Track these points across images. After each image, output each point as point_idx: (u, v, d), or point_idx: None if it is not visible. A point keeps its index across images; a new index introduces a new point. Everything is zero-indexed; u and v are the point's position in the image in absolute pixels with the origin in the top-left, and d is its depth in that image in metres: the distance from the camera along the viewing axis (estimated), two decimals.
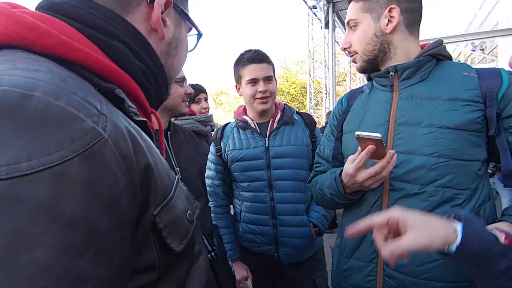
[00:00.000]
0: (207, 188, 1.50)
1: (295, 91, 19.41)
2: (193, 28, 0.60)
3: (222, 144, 1.49)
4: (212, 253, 1.28)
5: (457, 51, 12.88)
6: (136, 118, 0.43)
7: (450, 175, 0.83)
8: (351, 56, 1.01)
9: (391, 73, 0.92)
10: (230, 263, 1.38)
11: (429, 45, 0.92)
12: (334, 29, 5.51)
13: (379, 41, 0.91)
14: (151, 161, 0.39)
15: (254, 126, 1.45)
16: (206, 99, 2.25)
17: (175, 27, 0.54)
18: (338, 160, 1.07)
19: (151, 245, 0.39)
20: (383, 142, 0.77)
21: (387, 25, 0.90)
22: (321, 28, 5.76)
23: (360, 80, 10.24)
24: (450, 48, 11.82)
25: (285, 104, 1.55)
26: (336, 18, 5.64)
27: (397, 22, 0.89)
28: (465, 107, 0.83)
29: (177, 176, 0.48)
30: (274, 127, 1.44)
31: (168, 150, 1.19)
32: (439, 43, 0.92)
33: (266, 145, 1.42)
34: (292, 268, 1.44)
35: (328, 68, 7.02)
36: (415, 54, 0.92)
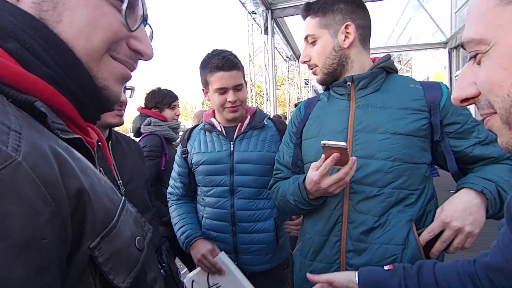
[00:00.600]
0: (170, 187, 1.48)
1: None
2: None
3: (188, 146, 1.43)
4: (162, 271, 1.18)
5: None
6: (64, 136, 0.35)
7: (403, 177, 0.90)
8: (311, 69, 1.05)
9: (348, 82, 0.98)
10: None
11: (379, 59, 1.02)
12: (273, 35, 5.67)
13: (337, 55, 0.97)
14: (85, 184, 0.33)
15: (220, 129, 1.39)
16: (178, 106, 2.21)
17: None
18: (298, 166, 1.09)
19: (90, 285, 0.33)
20: (347, 150, 0.82)
21: (344, 40, 0.96)
22: (261, 33, 5.90)
23: (298, 85, 10.78)
24: None
25: (258, 109, 1.49)
26: (274, 24, 5.82)
27: (353, 38, 0.96)
28: (413, 115, 0.91)
29: (123, 198, 0.42)
30: (241, 131, 1.37)
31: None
32: (388, 57, 1.01)
33: (231, 149, 1.35)
34: (252, 278, 1.33)
35: (268, 73, 7.22)
36: (368, 67, 1.00)
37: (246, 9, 6.14)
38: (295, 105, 4.08)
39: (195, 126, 1.50)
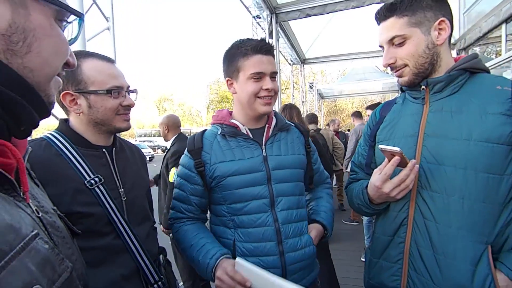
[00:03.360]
0: (174, 212, 1.21)
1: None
2: (65, 11, 0.44)
3: (203, 156, 1.14)
4: (159, 283, 1.07)
5: None
6: None
7: (477, 188, 0.82)
8: (396, 71, 0.98)
9: (422, 86, 0.96)
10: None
11: (463, 58, 0.95)
12: (278, 39, 5.70)
13: (430, 53, 0.93)
14: None
15: (246, 132, 1.17)
16: None
17: (12, 11, 0.38)
18: (371, 168, 1.09)
19: None
20: (403, 154, 0.85)
21: (437, 37, 0.92)
22: (265, 37, 5.95)
23: (302, 89, 10.79)
24: None
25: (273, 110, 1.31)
26: (279, 28, 5.85)
27: (448, 34, 0.92)
28: (496, 120, 0.82)
29: (34, 232, 0.37)
30: (270, 133, 1.20)
31: (112, 169, 1.04)
32: (474, 56, 0.94)
33: (264, 154, 1.16)
34: None
35: None
36: (450, 66, 0.94)
37: (251, 14, 6.19)
38: (368, 107, 4.10)
39: (203, 132, 1.23)
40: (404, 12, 0.92)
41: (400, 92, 1.11)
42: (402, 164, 0.87)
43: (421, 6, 0.91)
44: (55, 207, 0.53)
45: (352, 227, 5.02)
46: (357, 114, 5.24)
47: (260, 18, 6.32)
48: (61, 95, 0.97)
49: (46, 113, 0.46)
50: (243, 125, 1.18)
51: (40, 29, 0.41)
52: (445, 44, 0.94)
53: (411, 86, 1.00)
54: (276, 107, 7.00)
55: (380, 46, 1.00)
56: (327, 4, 5.04)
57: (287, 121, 1.28)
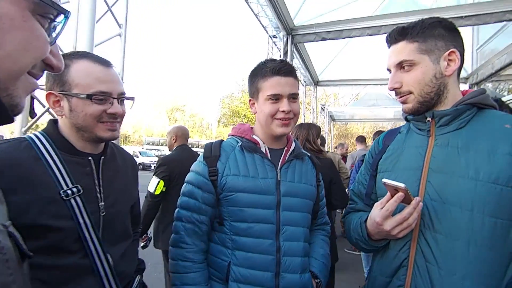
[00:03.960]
0: (182, 223, 1.12)
1: (252, 114, 19.79)
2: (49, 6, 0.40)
3: (219, 164, 1.11)
4: None
5: None
6: None
7: (485, 233, 0.77)
8: (401, 97, 0.95)
9: (428, 118, 0.93)
10: None
11: (471, 92, 0.91)
12: (292, 60, 5.77)
13: (437, 83, 0.90)
14: None
15: (265, 151, 1.15)
16: None
17: None
18: (372, 199, 1.06)
19: None
20: (408, 191, 0.80)
21: (446, 68, 0.88)
22: (280, 57, 6.05)
23: (314, 110, 10.82)
24: None
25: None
26: (294, 49, 5.94)
27: (457, 65, 0.89)
28: (504, 161, 0.78)
29: None
30: (286, 158, 1.17)
31: (96, 179, 0.95)
32: (482, 91, 0.90)
33: (279, 178, 1.11)
34: None
35: None
36: (457, 99, 0.92)
37: (268, 33, 6.33)
38: (376, 133, 4.09)
39: (221, 141, 1.20)
40: (415, 38, 0.91)
41: (405, 121, 1.08)
42: (406, 200, 0.83)
43: (433, 34, 0.90)
44: (8, 222, 0.45)
45: (353, 256, 4.86)
46: (361, 139, 5.22)
47: (276, 38, 6.45)
48: (45, 94, 0.93)
49: (6, 117, 0.40)
50: (264, 143, 1.16)
51: (7, 19, 0.36)
52: (453, 76, 0.92)
53: (414, 114, 0.97)
54: None
55: (388, 70, 0.98)
56: (343, 30, 5.10)
57: (303, 150, 1.26)
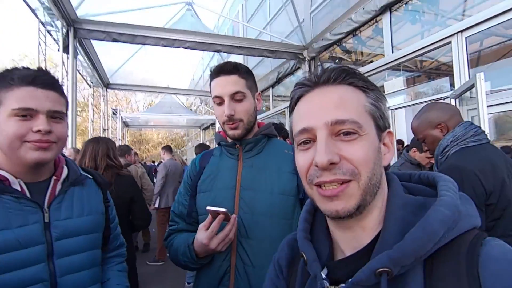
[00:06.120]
0: None
1: None
2: None
3: None
4: None
5: (189, 101, 15.65)
6: None
7: (278, 232, 0.99)
8: (233, 123, 1.06)
9: (237, 145, 1.11)
10: None
11: (263, 126, 1.16)
12: (75, 56, 4.94)
13: (254, 115, 1.11)
14: None
15: (20, 188, 0.87)
16: None
17: None
18: (192, 217, 1.14)
19: None
20: (229, 213, 0.95)
21: (257, 104, 1.13)
22: (58, 51, 5.00)
23: (104, 114, 9.73)
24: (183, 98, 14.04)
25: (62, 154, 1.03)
26: (77, 44, 5.12)
27: (260, 104, 1.14)
28: (286, 177, 1.05)
29: None
30: (57, 191, 0.95)
31: None
32: (269, 125, 1.17)
33: (46, 220, 0.89)
34: None
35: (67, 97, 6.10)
36: (256, 130, 1.15)
37: (38, 18, 5.10)
38: (198, 146, 3.77)
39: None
40: (242, 74, 1.08)
41: (216, 144, 1.23)
42: (226, 219, 0.97)
43: (249, 74, 1.11)
44: None
45: (158, 267, 4.74)
46: (168, 149, 5.30)
47: (52, 26, 5.31)
48: None
49: None
50: (16, 178, 0.87)
51: None
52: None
53: (239, 139, 1.12)
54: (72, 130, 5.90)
55: (218, 97, 1.07)
56: (137, 35, 4.96)
57: (82, 172, 1.06)
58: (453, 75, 3.20)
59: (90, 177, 1.09)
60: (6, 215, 0.82)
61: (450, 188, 0.49)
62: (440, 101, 3.08)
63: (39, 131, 0.83)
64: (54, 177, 0.95)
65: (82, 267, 0.95)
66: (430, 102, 1.66)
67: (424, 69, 5.62)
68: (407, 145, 3.41)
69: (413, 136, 1.82)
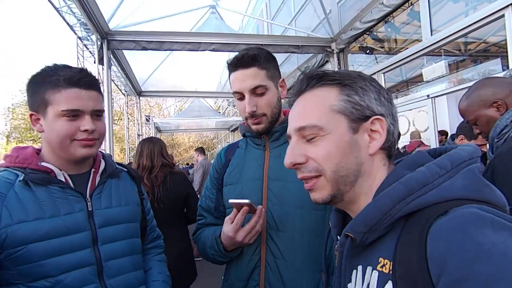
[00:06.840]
0: None
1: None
2: None
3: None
4: None
5: (217, 104, 15.88)
6: None
7: (311, 223, 0.95)
8: (256, 119, 1.02)
9: (263, 135, 1.06)
10: None
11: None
12: (110, 67, 5.16)
13: (279, 105, 1.05)
14: None
15: (64, 179, 0.94)
16: None
17: None
18: (220, 211, 1.11)
19: None
20: (253, 204, 0.90)
21: (282, 92, 1.07)
22: (94, 63, 5.26)
23: (138, 121, 10.16)
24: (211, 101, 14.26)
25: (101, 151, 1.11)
26: (111, 55, 5.35)
27: (285, 92, 1.07)
28: None
29: None
30: (97, 182, 1.00)
31: None
32: None
33: (90, 209, 0.95)
34: None
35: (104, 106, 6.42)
36: (282, 118, 1.08)
37: (76, 34, 5.39)
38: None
39: None
40: (263, 65, 0.99)
41: (242, 136, 1.19)
42: (251, 210, 0.93)
43: (274, 64, 1.03)
44: None
45: (197, 263, 4.75)
46: (201, 150, 5.45)
47: (88, 41, 5.59)
48: None
49: None
50: (60, 170, 0.93)
51: None
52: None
53: (264, 133, 1.07)
54: (108, 139, 6.20)
55: (238, 93, 1.01)
56: (165, 41, 5.07)
57: (117, 166, 1.11)
58: (506, 55, 2.83)
59: (125, 170, 1.14)
60: (54, 203, 0.89)
61: (440, 162, 0.50)
62: (494, 76, 2.64)
63: (86, 130, 0.91)
64: (93, 170, 1.01)
65: (123, 254, 0.99)
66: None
67: (469, 52, 5.14)
68: (452, 134, 3.11)
69: (456, 126, 1.59)
